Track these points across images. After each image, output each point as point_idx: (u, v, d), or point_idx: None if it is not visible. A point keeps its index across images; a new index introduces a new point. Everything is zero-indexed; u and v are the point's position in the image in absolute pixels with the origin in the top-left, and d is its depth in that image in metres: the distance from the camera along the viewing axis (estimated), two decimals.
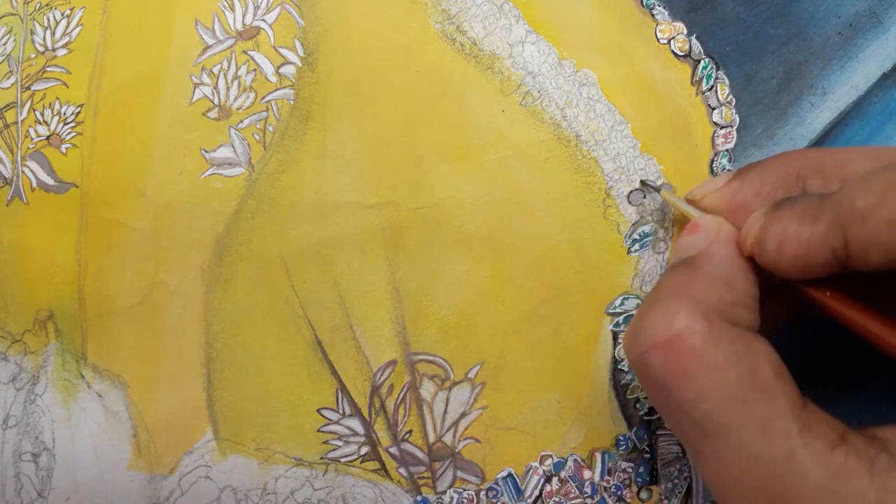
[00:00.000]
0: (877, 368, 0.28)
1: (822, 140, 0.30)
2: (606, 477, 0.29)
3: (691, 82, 0.30)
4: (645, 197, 0.29)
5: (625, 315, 0.29)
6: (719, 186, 0.26)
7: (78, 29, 0.31)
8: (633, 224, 0.29)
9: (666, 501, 0.29)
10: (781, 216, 0.22)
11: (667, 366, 0.21)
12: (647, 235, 0.29)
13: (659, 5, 0.30)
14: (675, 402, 0.21)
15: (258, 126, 0.30)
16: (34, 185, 0.30)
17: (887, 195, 0.19)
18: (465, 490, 0.29)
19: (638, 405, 0.29)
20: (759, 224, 0.23)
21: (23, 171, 0.30)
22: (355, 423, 0.29)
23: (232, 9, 0.30)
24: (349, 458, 0.29)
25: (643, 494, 0.29)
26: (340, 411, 0.29)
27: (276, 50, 0.30)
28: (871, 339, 0.21)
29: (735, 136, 0.30)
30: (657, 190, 0.28)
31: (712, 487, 0.22)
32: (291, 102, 0.30)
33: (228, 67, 0.30)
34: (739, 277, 0.23)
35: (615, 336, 0.29)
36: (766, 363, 0.21)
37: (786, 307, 0.26)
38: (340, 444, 0.29)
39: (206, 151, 0.30)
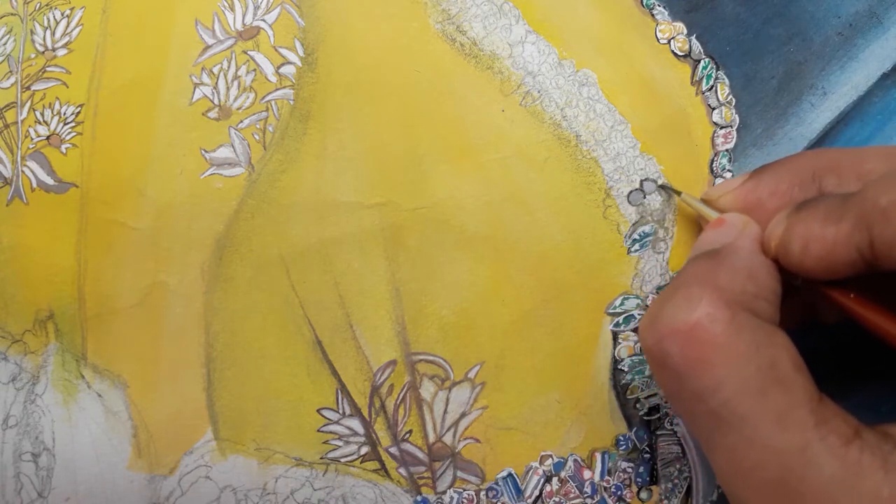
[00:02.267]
0: (883, 371, 0.28)
1: (823, 140, 0.30)
2: (606, 477, 0.29)
3: (691, 82, 0.30)
4: (645, 197, 0.29)
5: (625, 315, 0.29)
6: (735, 187, 0.26)
7: (78, 29, 0.31)
8: (633, 224, 0.29)
9: (666, 501, 0.29)
10: (805, 217, 0.22)
11: (685, 353, 0.21)
12: (647, 235, 0.29)
13: (659, 5, 0.30)
14: (691, 391, 0.21)
15: (258, 126, 0.30)
16: (34, 185, 0.30)
17: None
18: (465, 490, 0.29)
19: (638, 405, 0.29)
20: (782, 226, 0.23)
21: (23, 171, 0.30)
22: (355, 423, 0.29)
23: (232, 9, 0.30)
24: (349, 458, 0.29)
25: (643, 494, 0.29)
26: (340, 411, 0.29)
27: (276, 50, 0.30)
28: (893, 343, 0.21)
29: (735, 135, 0.30)
30: (677, 193, 0.28)
31: (723, 479, 0.21)
32: (291, 102, 0.30)
33: (228, 67, 0.30)
34: (763, 272, 0.23)
35: (615, 336, 0.29)
36: (786, 355, 0.21)
37: (798, 312, 0.26)
38: (340, 444, 0.29)
39: (206, 151, 0.30)
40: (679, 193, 0.28)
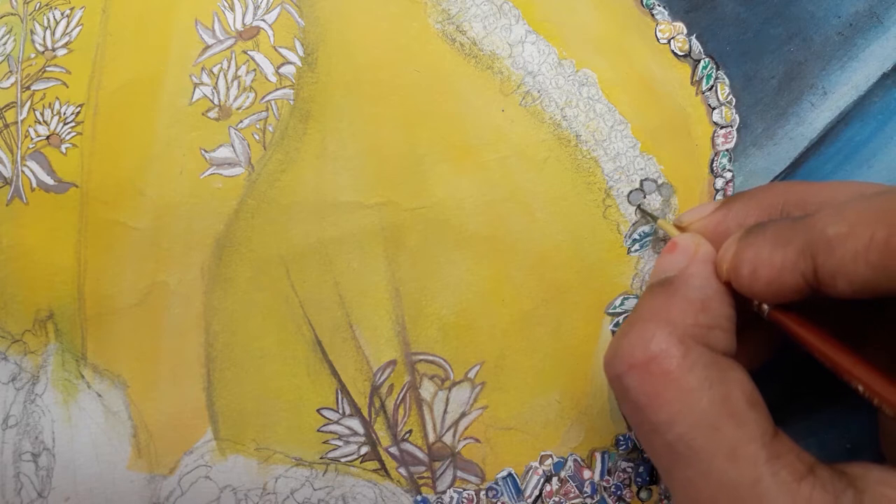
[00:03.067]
0: (851, 407, 0.28)
1: (823, 139, 0.30)
2: (606, 477, 0.29)
3: (691, 82, 0.30)
4: (645, 197, 0.29)
5: (624, 315, 0.29)
6: (706, 214, 0.26)
7: (78, 29, 0.31)
8: (633, 224, 0.29)
9: (666, 501, 0.29)
10: (754, 241, 0.22)
11: (643, 388, 0.22)
12: (647, 235, 0.29)
13: (659, 5, 0.30)
14: (650, 424, 0.22)
15: (258, 126, 0.30)
16: (34, 184, 0.30)
17: (857, 226, 0.20)
18: (465, 490, 0.29)
19: None
20: (732, 250, 0.23)
21: (23, 171, 0.30)
22: (355, 423, 0.29)
23: (232, 9, 0.30)
24: (349, 458, 0.29)
25: (643, 494, 0.29)
26: (340, 411, 0.29)
27: (275, 50, 0.30)
28: (837, 371, 0.21)
29: (735, 135, 0.30)
30: (654, 219, 0.29)
31: None
32: (291, 102, 0.30)
33: (228, 67, 0.30)
34: (716, 300, 0.23)
35: None
36: (739, 390, 0.21)
37: (768, 343, 0.26)
38: (340, 443, 0.29)
39: (206, 151, 0.30)
40: (656, 219, 0.29)
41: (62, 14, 0.31)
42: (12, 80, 0.31)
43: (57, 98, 0.30)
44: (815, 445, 0.21)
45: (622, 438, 0.29)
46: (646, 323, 0.22)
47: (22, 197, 0.30)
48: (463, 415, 0.29)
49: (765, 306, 0.23)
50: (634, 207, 0.29)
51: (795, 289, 0.21)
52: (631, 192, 0.29)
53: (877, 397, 0.20)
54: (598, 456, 0.29)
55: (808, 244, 0.21)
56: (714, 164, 0.29)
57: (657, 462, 0.22)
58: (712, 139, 0.30)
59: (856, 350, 0.21)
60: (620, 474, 0.29)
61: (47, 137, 0.30)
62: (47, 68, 0.31)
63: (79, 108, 0.30)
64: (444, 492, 0.29)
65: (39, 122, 0.31)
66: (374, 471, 0.29)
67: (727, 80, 0.30)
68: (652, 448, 0.22)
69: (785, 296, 0.22)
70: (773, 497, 0.19)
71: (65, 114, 0.30)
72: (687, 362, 0.21)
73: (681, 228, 0.27)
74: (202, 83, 0.30)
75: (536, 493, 0.29)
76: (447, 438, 0.29)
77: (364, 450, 0.29)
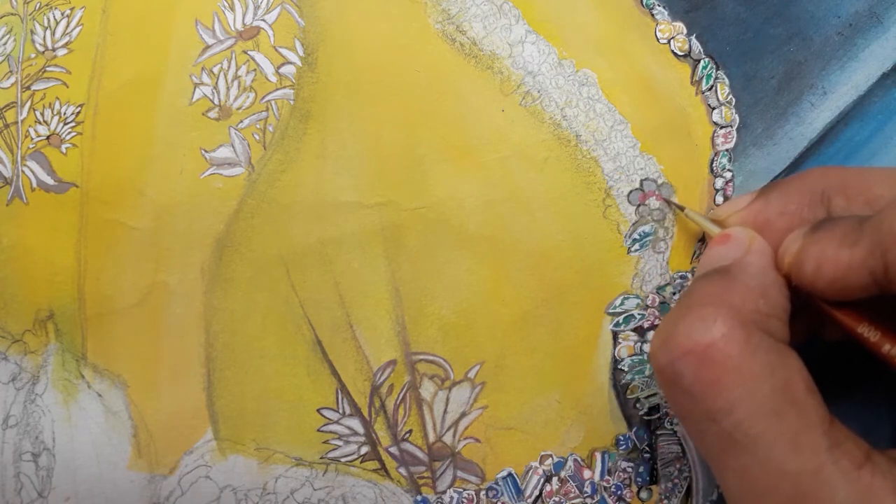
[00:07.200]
0: (884, 392, 0.28)
1: (823, 139, 0.30)
2: (606, 477, 0.29)
3: (691, 82, 0.30)
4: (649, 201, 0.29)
5: (625, 315, 0.29)
6: (743, 206, 0.26)
7: (78, 29, 0.31)
8: (633, 224, 0.29)
9: (666, 501, 0.29)
10: (821, 238, 0.22)
11: (699, 374, 0.21)
12: (647, 235, 0.29)
13: (659, 5, 0.30)
14: (704, 412, 0.21)
15: (258, 126, 0.30)
16: (34, 184, 0.30)
17: None
18: (465, 490, 0.29)
19: (638, 405, 0.29)
20: (797, 245, 0.23)
21: (23, 171, 0.30)
22: (355, 423, 0.29)
23: (232, 9, 0.30)
24: (349, 458, 0.29)
25: (643, 494, 0.29)
26: (340, 411, 0.29)
27: (276, 50, 0.30)
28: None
29: (735, 135, 0.30)
30: (681, 209, 0.28)
31: (733, 501, 0.21)
32: (291, 102, 0.30)
33: (228, 67, 0.30)
34: (775, 290, 0.23)
35: (615, 336, 0.29)
36: (799, 377, 0.21)
37: (803, 328, 0.26)
38: (340, 443, 0.29)
39: (206, 151, 0.30)
40: (683, 209, 0.28)
41: (62, 14, 0.31)
42: (12, 80, 0.31)
43: (57, 98, 0.30)
44: None
45: (622, 438, 0.29)
46: (704, 307, 0.22)
47: (22, 197, 0.30)
48: (463, 415, 0.29)
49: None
50: (636, 206, 0.29)
51: (861, 286, 0.21)
52: (631, 191, 0.29)
53: None
54: (598, 456, 0.29)
55: (878, 242, 0.20)
56: (714, 164, 0.29)
57: (708, 451, 0.22)
58: (712, 139, 0.30)
59: None
60: (620, 474, 0.29)
61: (47, 137, 0.30)
62: (47, 68, 0.31)
63: (79, 108, 0.30)
64: (444, 492, 0.29)
65: (39, 122, 0.31)
66: (374, 471, 0.29)
67: (727, 80, 0.30)
68: (703, 436, 0.22)
69: (848, 293, 0.21)
70: (836, 485, 0.19)
71: (65, 114, 0.30)
72: (750, 347, 0.21)
73: (718, 223, 0.27)
74: (202, 83, 0.30)
75: (536, 493, 0.29)
76: (447, 438, 0.29)
77: (364, 450, 0.29)
